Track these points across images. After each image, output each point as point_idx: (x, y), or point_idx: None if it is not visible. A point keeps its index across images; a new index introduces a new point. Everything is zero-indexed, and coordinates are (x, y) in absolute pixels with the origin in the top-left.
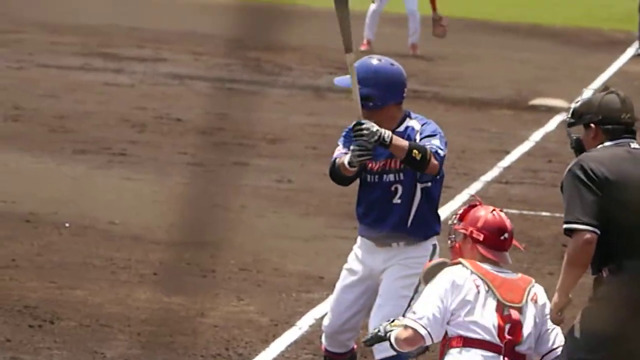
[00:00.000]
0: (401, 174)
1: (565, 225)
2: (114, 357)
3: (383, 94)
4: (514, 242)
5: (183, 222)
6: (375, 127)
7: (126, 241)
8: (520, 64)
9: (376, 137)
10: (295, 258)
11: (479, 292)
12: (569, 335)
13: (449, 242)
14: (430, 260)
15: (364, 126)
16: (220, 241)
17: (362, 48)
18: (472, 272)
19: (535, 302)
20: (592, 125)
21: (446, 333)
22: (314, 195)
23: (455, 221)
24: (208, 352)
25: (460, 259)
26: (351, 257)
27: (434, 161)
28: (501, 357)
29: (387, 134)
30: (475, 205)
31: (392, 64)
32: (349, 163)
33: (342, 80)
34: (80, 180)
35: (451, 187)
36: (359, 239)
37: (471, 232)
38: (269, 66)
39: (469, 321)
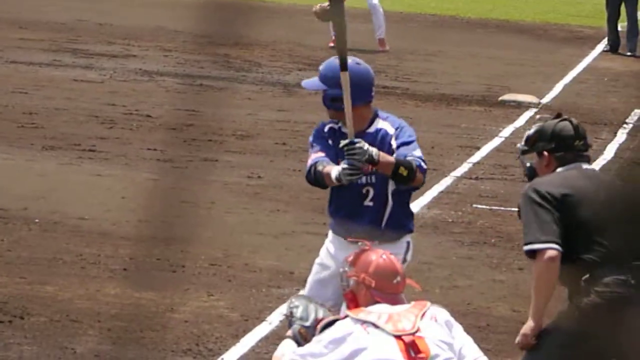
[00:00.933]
0: (373, 177)
1: (525, 248)
2: (84, 353)
3: (352, 95)
4: (410, 282)
5: (153, 217)
6: (365, 146)
7: (96, 237)
8: (489, 59)
9: (367, 156)
10: (266, 253)
11: (369, 334)
12: (544, 333)
13: (342, 289)
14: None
15: (357, 145)
16: (190, 237)
17: (331, 44)
18: (356, 321)
19: (436, 321)
20: (545, 153)
21: None
22: (284, 191)
23: (346, 268)
24: (178, 347)
25: (348, 313)
26: (323, 252)
27: (419, 174)
28: None
29: (375, 152)
30: (365, 250)
31: (358, 64)
32: (337, 179)
33: (311, 83)
34: (50, 176)
35: None
36: (330, 233)
37: (363, 278)
38: (239, 62)
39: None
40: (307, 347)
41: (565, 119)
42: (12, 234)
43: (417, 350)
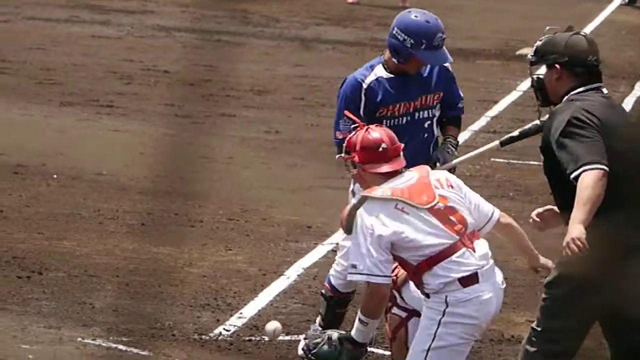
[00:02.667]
0: (433, 110)
1: (573, 174)
2: (103, 308)
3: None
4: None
5: (170, 173)
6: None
7: (114, 192)
8: (506, 14)
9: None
10: (283, 208)
11: (405, 213)
12: (546, 285)
13: (349, 174)
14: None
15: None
16: (207, 192)
17: (350, 0)
18: (384, 201)
19: (450, 185)
20: (557, 65)
21: (406, 262)
22: (302, 146)
23: (342, 153)
24: (196, 302)
25: (365, 195)
26: None
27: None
28: (464, 248)
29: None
30: (355, 130)
31: (427, 21)
32: None
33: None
34: (68, 132)
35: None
36: None
37: (354, 157)
38: (256, 17)
39: (418, 243)
40: (365, 256)
41: (578, 33)
42: (30, 189)
43: (453, 217)
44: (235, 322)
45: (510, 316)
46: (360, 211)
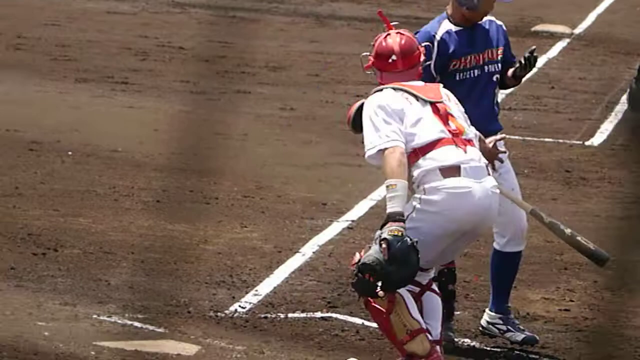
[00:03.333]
0: (498, 64)
1: None
2: (118, 285)
3: None
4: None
5: (185, 150)
6: None
7: (129, 169)
8: None
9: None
10: (298, 185)
11: (410, 102)
12: None
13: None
14: None
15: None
16: (222, 169)
17: None
18: (393, 90)
19: (449, 99)
20: None
21: None
22: (317, 123)
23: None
24: (212, 279)
25: (381, 86)
26: None
27: None
28: (454, 145)
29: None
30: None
31: None
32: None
33: None
34: (83, 108)
35: None
36: None
37: (371, 61)
38: None
39: (416, 130)
40: (378, 128)
41: None
42: (45, 166)
43: (451, 122)
44: (250, 299)
45: (526, 293)
46: (369, 98)
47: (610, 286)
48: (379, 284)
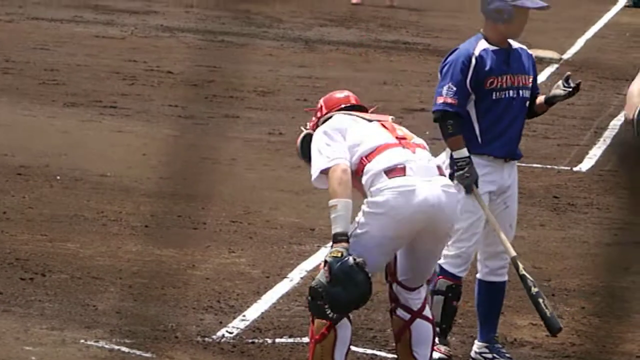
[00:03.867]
0: (529, 92)
1: None
2: (106, 310)
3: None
4: None
5: (174, 174)
6: None
7: (117, 194)
8: None
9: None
10: (287, 210)
11: (356, 121)
12: None
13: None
14: None
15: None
16: (211, 193)
17: (353, 1)
18: (341, 114)
19: (400, 125)
20: None
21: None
22: None
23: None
24: (200, 304)
25: (332, 114)
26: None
27: None
28: (401, 147)
29: None
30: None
31: None
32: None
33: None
34: (72, 132)
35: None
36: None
37: (318, 114)
38: (260, 18)
39: (362, 139)
40: (321, 151)
41: None
42: (34, 190)
43: (399, 130)
44: (238, 324)
45: (514, 319)
46: (317, 129)
47: (597, 312)
48: (327, 306)
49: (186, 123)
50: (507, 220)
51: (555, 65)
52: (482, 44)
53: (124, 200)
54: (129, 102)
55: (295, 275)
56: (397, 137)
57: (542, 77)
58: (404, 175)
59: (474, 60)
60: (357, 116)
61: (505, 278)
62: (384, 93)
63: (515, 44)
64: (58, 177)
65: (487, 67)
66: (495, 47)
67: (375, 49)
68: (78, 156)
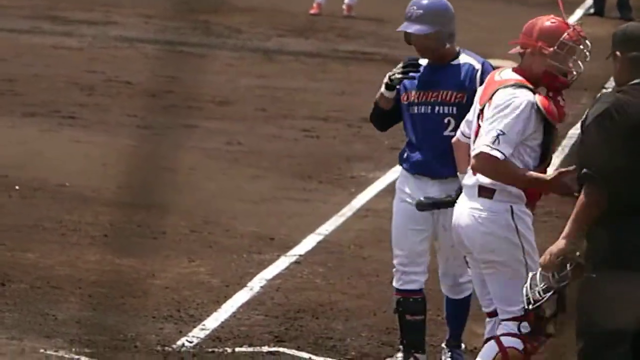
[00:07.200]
0: (453, 108)
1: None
2: (65, 319)
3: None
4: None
5: (133, 184)
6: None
7: (76, 203)
8: (469, 26)
9: None
10: (246, 219)
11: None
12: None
13: None
14: None
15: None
16: (170, 203)
17: (312, 11)
18: None
19: (490, 104)
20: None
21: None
22: (264, 157)
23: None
24: (159, 313)
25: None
26: (402, 195)
27: None
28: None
29: None
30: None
31: None
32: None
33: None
34: (30, 143)
35: None
36: (404, 175)
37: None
38: (219, 29)
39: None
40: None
41: None
42: None
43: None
44: (197, 333)
45: (473, 328)
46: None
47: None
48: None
49: (145, 133)
50: (449, 242)
51: None
52: (422, 61)
53: (83, 210)
54: (87, 113)
55: (255, 285)
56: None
57: None
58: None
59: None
60: None
61: (461, 296)
62: (343, 103)
63: (464, 59)
64: (17, 187)
65: (405, 82)
66: (425, 63)
67: (333, 58)
68: (37, 166)
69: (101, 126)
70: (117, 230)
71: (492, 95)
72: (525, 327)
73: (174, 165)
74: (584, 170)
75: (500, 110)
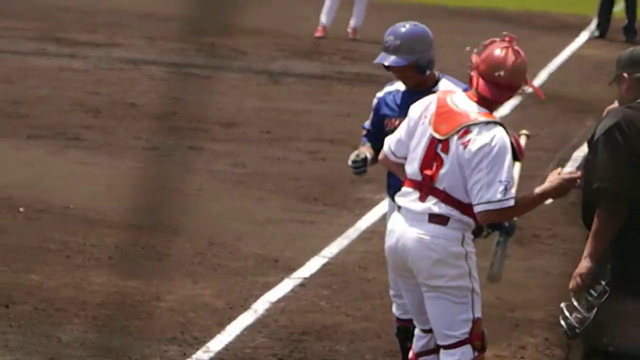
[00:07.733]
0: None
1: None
2: (70, 341)
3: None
4: (535, 90)
5: (138, 206)
6: None
7: (81, 225)
8: (472, 47)
9: None
10: (251, 241)
11: (422, 122)
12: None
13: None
14: None
15: None
16: (175, 225)
17: (317, 34)
18: (430, 101)
19: (465, 146)
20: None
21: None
22: (269, 179)
23: (475, 50)
24: (164, 335)
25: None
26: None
27: None
28: (415, 190)
29: None
30: (498, 41)
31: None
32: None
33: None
34: (36, 164)
35: None
36: (391, 206)
37: (477, 62)
38: (224, 50)
39: (411, 152)
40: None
41: None
42: None
43: (430, 167)
44: (201, 356)
45: None
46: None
47: (561, 344)
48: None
49: (150, 155)
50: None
51: (519, 98)
52: (399, 85)
53: (88, 232)
54: (93, 135)
55: (259, 307)
56: (423, 174)
57: (504, 110)
58: (398, 213)
59: (374, 103)
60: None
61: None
62: (348, 125)
63: (445, 86)
64: (21, 209)
65: (382, 112)
66: (404, 89)
67: (338, 80)
68: (42, 188)
69: (107, 148)
70: (122, 252)
71: (460, 131)
72: (476, 347)
73: (179, 187)
74: (596, 184)
75: (490, 160)
